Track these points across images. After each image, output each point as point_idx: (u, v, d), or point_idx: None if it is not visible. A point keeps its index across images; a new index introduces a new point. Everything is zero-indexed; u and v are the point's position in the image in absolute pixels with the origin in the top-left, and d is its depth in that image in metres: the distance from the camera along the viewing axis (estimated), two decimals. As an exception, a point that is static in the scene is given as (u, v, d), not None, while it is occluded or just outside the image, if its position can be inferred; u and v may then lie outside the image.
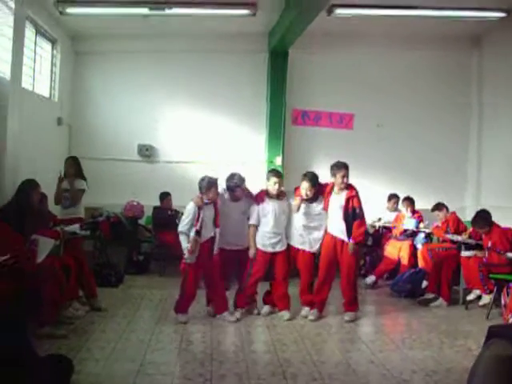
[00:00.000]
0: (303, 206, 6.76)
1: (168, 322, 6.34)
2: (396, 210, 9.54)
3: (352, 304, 6.83)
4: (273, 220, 6.68)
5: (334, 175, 6.66)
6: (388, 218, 9.58)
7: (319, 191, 6.76)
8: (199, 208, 6.31)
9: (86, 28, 10.05)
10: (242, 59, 10.56)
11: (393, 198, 9.73)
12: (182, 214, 9.18)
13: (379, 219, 9.61)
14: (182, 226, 6.36)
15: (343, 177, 6.62)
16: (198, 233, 6.25)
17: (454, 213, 8.50)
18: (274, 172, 6.94)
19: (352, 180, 6.80)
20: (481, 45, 10.73)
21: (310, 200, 6.76)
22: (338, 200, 6.66)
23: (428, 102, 10.78)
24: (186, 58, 10.50)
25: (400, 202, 9.51)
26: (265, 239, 6.72)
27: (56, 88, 9.89)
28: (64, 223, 6.82)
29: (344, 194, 6.64)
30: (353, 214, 6.59)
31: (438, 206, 8.51)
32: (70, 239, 6.65)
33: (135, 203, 9.70)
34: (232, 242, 6.72)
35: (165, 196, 9.45)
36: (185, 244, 6.30)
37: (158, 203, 9.50)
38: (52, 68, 9.85)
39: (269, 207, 6.70)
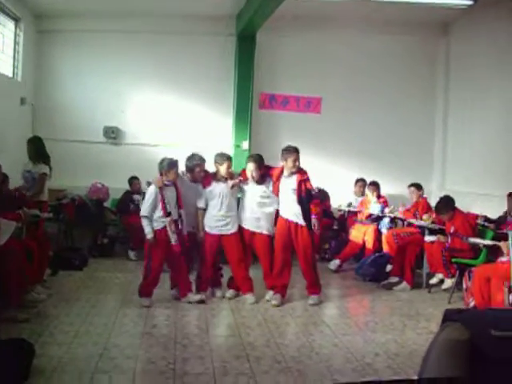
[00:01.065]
0: (251, 187, 6.75)
1: (132, 306, 6.30)
2: (363, 194, 9.61)
3: (314, 286, 6.85)
4: (220, 203, 6.64)
5: (285, 159, 6.63)
6: (356, 202, 9.65)
7: (266, 173, 6.75)
8: (160, 189, 6.27)
9: (50, 6, 9.85)
10: (210, 42, 10.47)
11: (359, 182, 9.80)
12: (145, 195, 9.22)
13: (349, 204, 9.67)
14: (144, 209, 6.33)
15: (294, 161, 6.60)
16: (169, 214, 6.23)
17: (424, 198, 8.61)
18: (225, 156, 6.84)
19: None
20: (448, 31, 10.83)
21: (259, 182, 6.74)
22: (288, 184, 6.64)
23: (396, 87, 10.87)
24: (153, 40, 10.37)
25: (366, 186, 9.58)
26: (211, 222, 6.68)
27: (19, 67, 9.71)
28: (28, 206, 6.72)
29: (295, 178, 6.62)
30: (308, 197, 6.60)
31: (415, 185, 8.64)
32: (33, 222, 6.57)
33: (100, 185, 9.58)
34: (191, 224, 6.70)
35: (132, 180, 9.40)
36: (148, 228, 6.26)
37: (123, 185, 9.43)
38: (15, 47, 9.66)
39: (216, 190, 6.66)
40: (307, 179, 6.66)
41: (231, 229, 6.73)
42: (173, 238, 6.23)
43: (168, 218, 6.22)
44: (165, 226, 6.25)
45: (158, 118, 10.47)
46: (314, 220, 6.67)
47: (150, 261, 6.31)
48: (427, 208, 8.41)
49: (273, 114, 10.71)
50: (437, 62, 11.05)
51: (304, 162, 6.81)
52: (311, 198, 6.65)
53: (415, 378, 2.55)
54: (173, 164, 6.34)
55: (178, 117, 10.48)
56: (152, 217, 6.28)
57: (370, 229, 8.88)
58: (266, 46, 10.45)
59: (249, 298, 6.69)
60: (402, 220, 8.82)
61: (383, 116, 10.87)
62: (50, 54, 10.39)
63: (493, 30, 9.22)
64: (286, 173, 6.68)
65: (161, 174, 6.35)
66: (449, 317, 2.41)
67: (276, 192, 6.73)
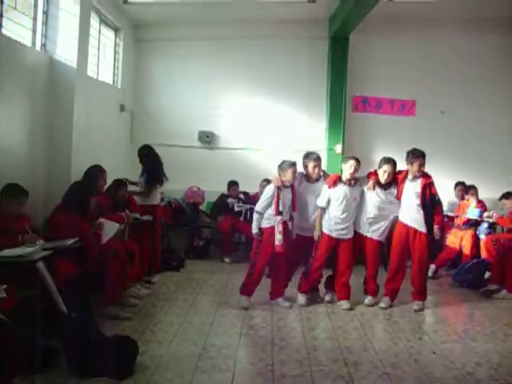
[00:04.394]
0: (376, 191, 6.65)
1: (229, 307, 6.42)
2: (463, 198, 9.35)
3: (422, 293, 6.76)
4: (343, 206, 6.54)
5: (410, 163, 6.55)
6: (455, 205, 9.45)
7: (394, 179, 6.67)
8: (279, 189, 6.34)
9: (147, 16, 10.18)
10: (303, 46, 10.50)
11: (458, 185, 9.57)
12: (240, 200, 9.35)
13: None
14: (259, 204, 6.44)
15: (420, 165, 6.51)
16: (280, 213, 6.29)
17: (523, 203, 8.28)
18: (354, 158, 6.70)
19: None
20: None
21: (385, 186, 6.67)
22: (412, 188, 6.56)
23: (494, 87, 10.46)
24: (246, 45, 10.51)
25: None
26: (331, 224, 6.59)
27: (119, 75, 10.08)
28: (133, 209, 7.05)
29: (419, 182, 6.54)
30: (432, 201, 6.52)
31: (506, 195, 8.28)
32: (137, 224, 6.86)
33: (196, 189, 9.84)
34: (306, 227, 6.70)
35: (231, 185, 9.50)
36: (256, 223, 6.38)
37: (217, 188, 9.62)
38: (115, 56, 10.04)
39: (340, 192, 6.55)
40: (432, 183, 6.57)
41: (348, 234, 6.67)
42: (277, 239, 6.25)
43: (278, 217, 6.27)
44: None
45: (252, 123, 10.58)
46: (436, 229, 6.60)
47: (257, 258, 6.41)
48: (526, 214, 8.08)
49: (366, 116, 10.57)
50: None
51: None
52: (435, 205, 6.57)
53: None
54: (290, 164, 6.39)
55: (271, 121, 10.55)
56: (264, 213, 6.39)
57: (468, 234, 8.62)
58: (359, 48, 10.34)
59: (344, 303, 6.64)
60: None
61: (481, 118, 10.50)
62: (146, 62, 10.73)
63: None
64: (410, 176, 6.61)
65: (280, 175, 6.44)
66: None
67: (399, 196, 6.66)
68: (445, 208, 9.21)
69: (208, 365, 4.63)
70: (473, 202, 8.84)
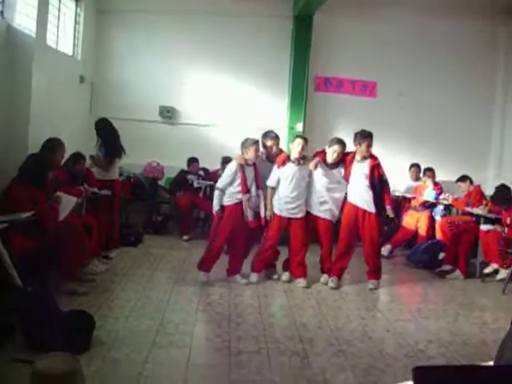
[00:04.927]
0: (324, 171, 6.69)
1: (186, 283, 6.42)
2: (417, 179, 9.50)
3: (377, 272, 6.85)
4: (292, 185, 6.59)
5: (358, 144, 6.62)
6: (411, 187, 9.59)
7: (342, 159, 6.72)
8: (241, 166, 6.36)
9: (109, -14, 9.98)
10: (267, 24, 10.43)
11: (413, 167, 9.70)
12: (200, 176, 9.31)
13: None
14: (221, 181, 6.46)
15: (368, 146, 6.59)
16: (248, 191, 6.36)
17: (477, 186, 8.43)
18: (301, 137, 6.87)
19: (374, 149, 6.77)
20: (510, 16, 10.48)
21: (332, 166, 6.72)
22: (361, 169, 6.63)
23: (452, 72, 10.62)
24: (210, 21, 10.38)
25: (421, 172, 9.47)
26: (282, 204, 6.64)
27: (79, 46, 9.82)
28: (92, 183, 6.93)
29: (367, 163, 6.61)
30: (380, 182, 6.61)
31: (462, 178, 8.45)
32: (94, 198, 6.77)
33: (155, 164, 9.74)
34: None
35: (191, 161, 9.47)
36: (217, 201, 6.39)
37: (177, 164, 9.57)
38: (75, 26, 9.78)
39: (289, 171, 6.59)
40: (379, 164, 6.65)
41: (300, 213, 6.70)
42: (250, 214, 6.34)
43: (247, 195, 6.32)
44: (237, 202, 6.36)
45: (214, 99, 10.49)
46: (388, 208, 6.75)
47: (216, 234, 6.42)
48: (480, 196, 8.25)
49: (328, 96, 10.61)
50: (496, 45, 10.76)
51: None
52: (383, 185, 6.67)
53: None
54: (252, 142, 6.41)
55: (233, 98, 10.49)
56: (225, 190, 6.41)
57: (424, 215, 8.79)
58: (323, 28, 10.32)
59: (301, 281, 6.69)
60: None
61: (439, 101, 10.65)
62: (108, 34, 10.51)
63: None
64: (358, 157, 6.67)
65: (242, 153, 6.44)
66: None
67: (347, 177, 6.72)
68: (402, 189, 9.41)
69: (165, 341, 4.62)
70: (430, 184, 8.99)
